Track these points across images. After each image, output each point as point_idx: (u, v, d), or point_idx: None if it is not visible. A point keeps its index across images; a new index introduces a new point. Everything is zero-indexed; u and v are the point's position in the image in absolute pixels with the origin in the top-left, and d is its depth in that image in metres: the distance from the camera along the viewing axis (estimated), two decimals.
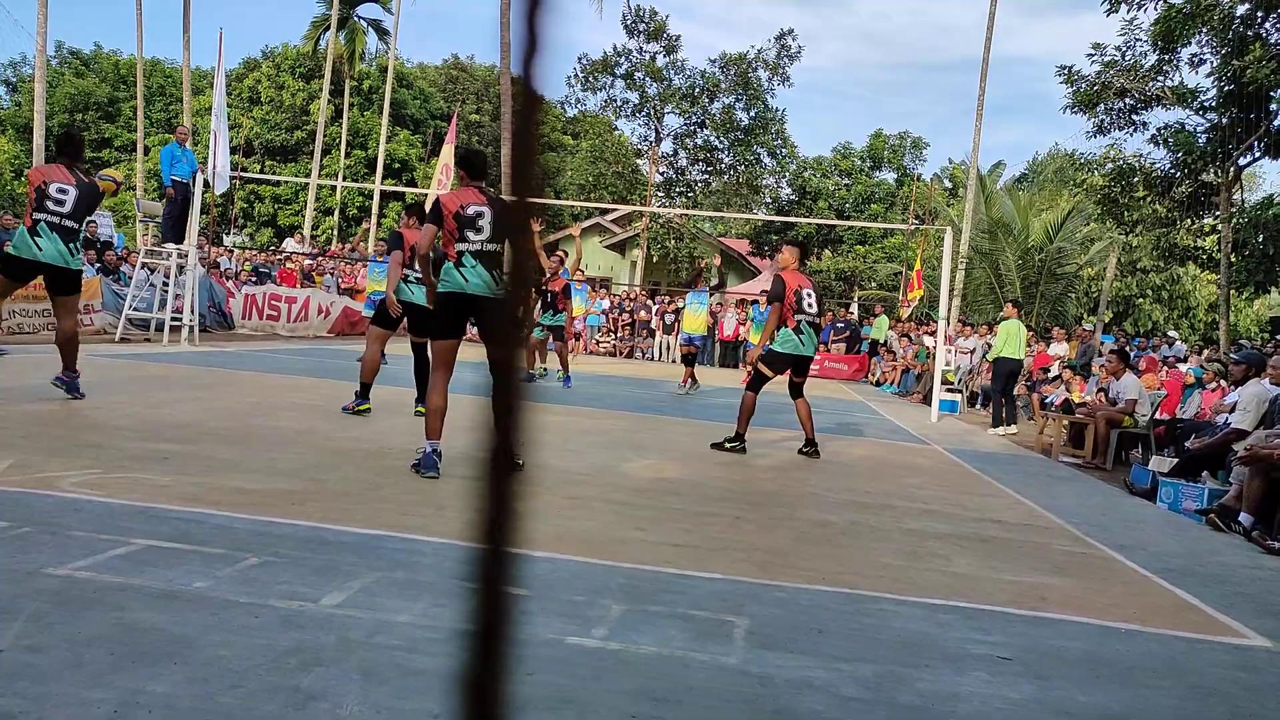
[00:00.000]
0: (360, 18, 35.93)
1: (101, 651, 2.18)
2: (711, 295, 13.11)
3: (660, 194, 29.60)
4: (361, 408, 6.78)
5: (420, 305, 6.45)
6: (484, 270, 4.89)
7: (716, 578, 3.35)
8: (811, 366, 7.48)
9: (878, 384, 18.34)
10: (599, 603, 2.91)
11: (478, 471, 0.59)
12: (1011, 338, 10.91)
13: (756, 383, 7.10)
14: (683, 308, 20.95)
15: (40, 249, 5.83)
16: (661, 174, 29.86)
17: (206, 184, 12.22)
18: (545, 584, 3.05)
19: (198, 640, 2.31)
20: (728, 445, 6.92)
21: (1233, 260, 14.24)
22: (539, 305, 11.11)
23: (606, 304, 21.75)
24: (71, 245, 5.97)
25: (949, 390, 13.51)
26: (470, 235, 4.94)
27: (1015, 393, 11.50)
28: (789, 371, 7.19)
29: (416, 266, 6.19)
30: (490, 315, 5.02)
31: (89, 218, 6.07)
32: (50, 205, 5.86)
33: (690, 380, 12.43)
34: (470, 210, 4.94)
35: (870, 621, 3.02)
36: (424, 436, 4.78)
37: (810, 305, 7.07)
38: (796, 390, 7.27)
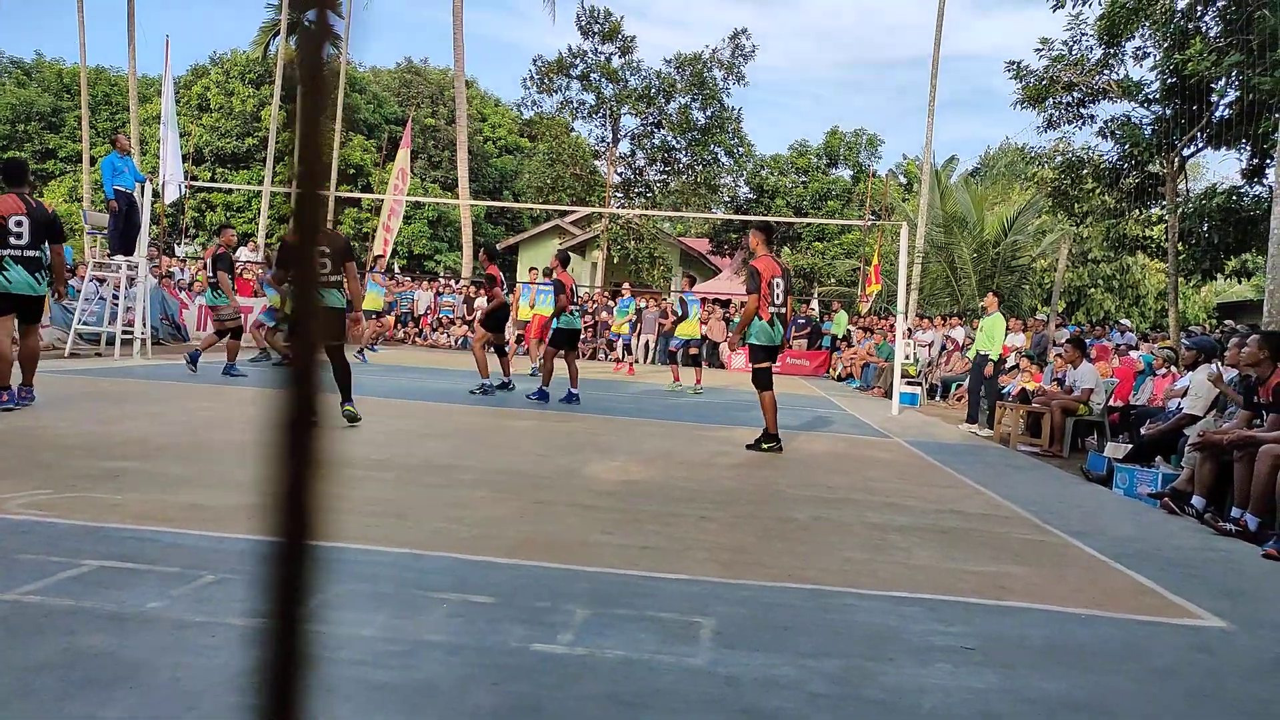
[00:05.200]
0: (310, 22, 35.49)
1: (51, 679, 2.12)
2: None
3: (619, 195, 29.58)
4: None
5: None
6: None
7: (682, 579, 3.34)
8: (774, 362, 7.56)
9: (840, 379, 18.50)
10: (564, 608, 2.89)
11: (271, 459, 0.57)
12: (998, 334, 10.30)
13: (764, 380, 7.13)
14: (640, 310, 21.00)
15: (10, 281, 6.31)
16: (620, 175, 29.85)
17: (156, 193, 11.95)
18: (509, 590, 3.03)
19: (152, 663, 2.25)
20: (765, 446, 6.97)
21: (1180, 249, 14.56)
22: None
23: None
24: (37, 275, 6.47)
25: (909, 383, 13.66)
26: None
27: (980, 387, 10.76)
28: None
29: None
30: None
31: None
32: (11, 240, 6.31)
33: (695, 380, 12.95)
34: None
35: (835, 617, 3.03)
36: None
37: (778, 296, 7.13)
38: None
